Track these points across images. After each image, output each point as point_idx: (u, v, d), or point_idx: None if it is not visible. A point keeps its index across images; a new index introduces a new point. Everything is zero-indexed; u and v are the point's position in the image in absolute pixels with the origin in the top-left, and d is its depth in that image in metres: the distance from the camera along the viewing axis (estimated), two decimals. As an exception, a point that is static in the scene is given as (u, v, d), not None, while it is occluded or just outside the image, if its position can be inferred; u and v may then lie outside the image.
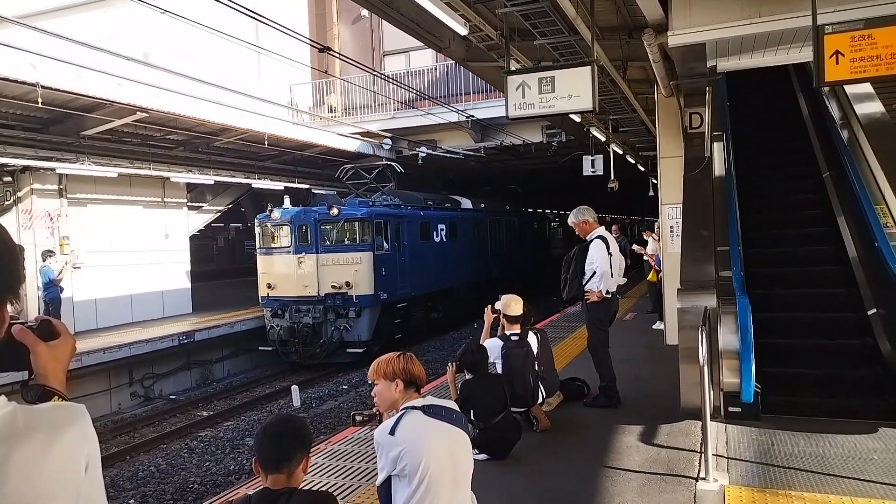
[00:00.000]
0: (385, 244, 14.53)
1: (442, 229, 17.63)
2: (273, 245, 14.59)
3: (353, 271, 13.68)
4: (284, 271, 14.20)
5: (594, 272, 5.91)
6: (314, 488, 4.03)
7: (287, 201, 15.01)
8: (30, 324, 1.20)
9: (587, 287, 5.95)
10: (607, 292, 5.94)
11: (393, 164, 16.88)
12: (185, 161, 15.76)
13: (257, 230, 14.93)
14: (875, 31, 4.60)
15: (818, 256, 7.36)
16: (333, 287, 13.69)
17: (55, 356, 1.19)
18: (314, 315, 13.80)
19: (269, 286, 14.25)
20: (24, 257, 1.35)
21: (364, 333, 13.79)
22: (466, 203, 20.40)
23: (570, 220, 6.30)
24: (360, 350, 13.60)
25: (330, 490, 4.34)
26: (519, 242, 23.53)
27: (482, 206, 21.24)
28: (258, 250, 14.86)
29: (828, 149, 8.27)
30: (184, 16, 7.84)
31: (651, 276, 11.31)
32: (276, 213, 14.23)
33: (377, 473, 2.68)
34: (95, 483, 1.08)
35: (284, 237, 14.39)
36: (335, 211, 13.63)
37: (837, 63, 4.70)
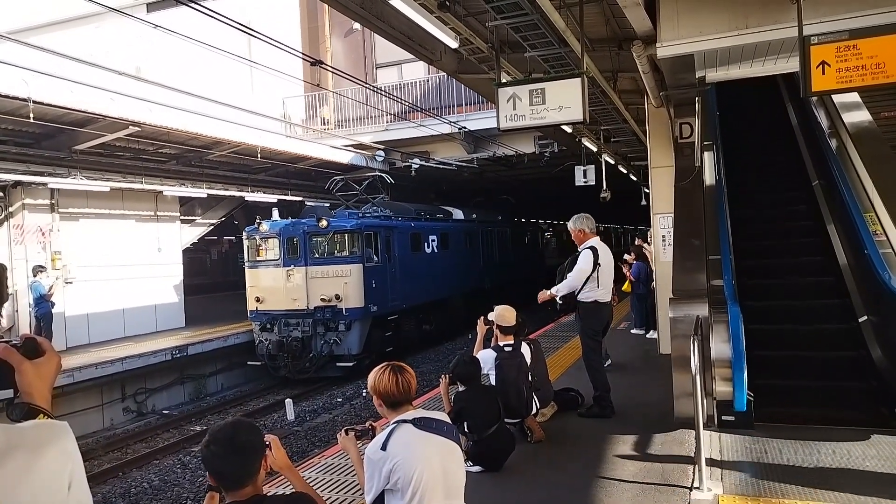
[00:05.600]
0: (375, 256, 14.39)
1: (433, 240, 17.50)
2: (262, 258, 14.43)
3: (342, 284, 13.54)
4: (273, 285, 14.03)
5: (587, 280, 5.94)
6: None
7: (276, 213, 14.88)
8: (14, 342, 1.20)
9: (554, 290, 6.08)
10: (594, 302, 5.96)
11: (383, 175, 16.77)
12: (178, 175, 15.74)
13: (246, 243, 14.76)
14: (860, 41, 4.67)
15: (808, 263, 7.40)
16: (323, 300, 13.54)
17: (40, 374, 1.19)
18: (303, 329, 13.64)
19: (258, 300, 14.08)
20: (7, 276, 1.34)
21: (354, 347, 13.64)
22: (458, 214, 20.29)
23: (569, 226, 6.34)
24: (351, 364, 13.48)
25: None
26: (512, 252, 23.46)
27: (474, 216, 21.15)
28: (246, 263, 14.70)
29: (817, 157, 8.34)
30: (176, 30, 7.86)
31: (625, 286, 11.13)
32: (265, 226, 14.11)
33: (365, 490, 2.67)
34: (81, 500, 1.08)
35: (273, 250, 14.24)
36: (324, 223, 13.51)
37: (824, 73, 4.77)
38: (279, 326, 13.84)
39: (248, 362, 14.38)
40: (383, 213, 15.77)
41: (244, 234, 14.91)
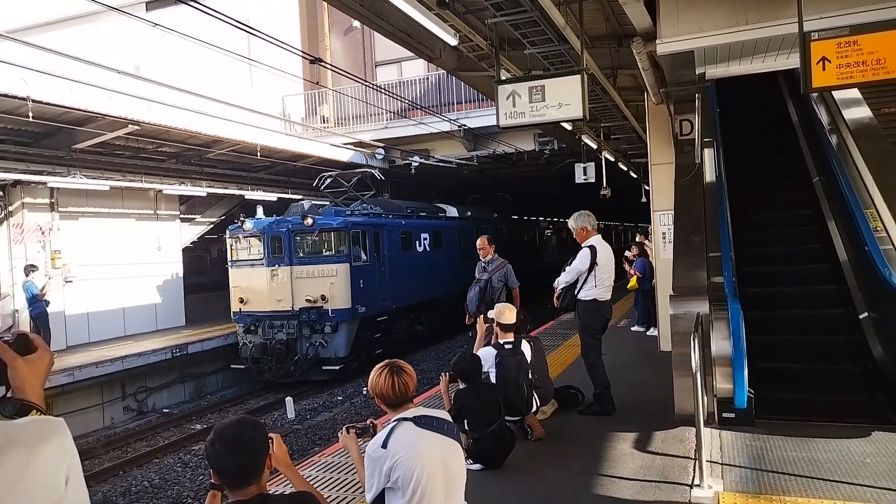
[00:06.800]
0: (363, 255, 13.94)
1: (425, 238, 17.01)
2: (245, 257, 13.92)
3: (328, 284, 13.06)
4: (257, 285, 13.53)
5: (585, 279, 5.94)
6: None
7: (260, 211, 14.55)
8: (6, 338, 1.21)
9: (555, 283, 6.14)
10: (594, 300, 5.96)
11: (373, 171, 16.32)
12: (178, 173, 15.74)
13: (229, 242, 14.21)
14: (860, 37, 4.65)
15: (809, 261, 7.39)
16: (308, 301, 13.07)
17: (33, 370, 1.20)
18: (288, 331, 13.19)
19: (242, 301, 13.57)
20: None
21: (341, 349, 13.20)
22: (452, 211, 19.82)
23: (570, 224, 6.33)
24: (337, 367, 13.07)
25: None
26: (509, 251, 22.90)
27: (468, 214, 20.68)
28: (230, 263, 14.16)
29: (817, 154, 8.33)
30: (175, 29, 7.85)
31: (632, 282, 11.08)
32: (249, 224, 13.66)
33: (366, 488, 2.67)
34: (79, 496, 1.08)
35: (257, 249, 13.76)
36: (309, 221, 13.03)
37: (824, 69, 4.75)
38: (263, 328, 13.36)
39: (232, 366, 13.95)
40: (373, 211, 15.35)
41: (227, 232, 14.40)
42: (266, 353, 13.22)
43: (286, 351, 13.15)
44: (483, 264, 7.63)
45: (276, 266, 13.37)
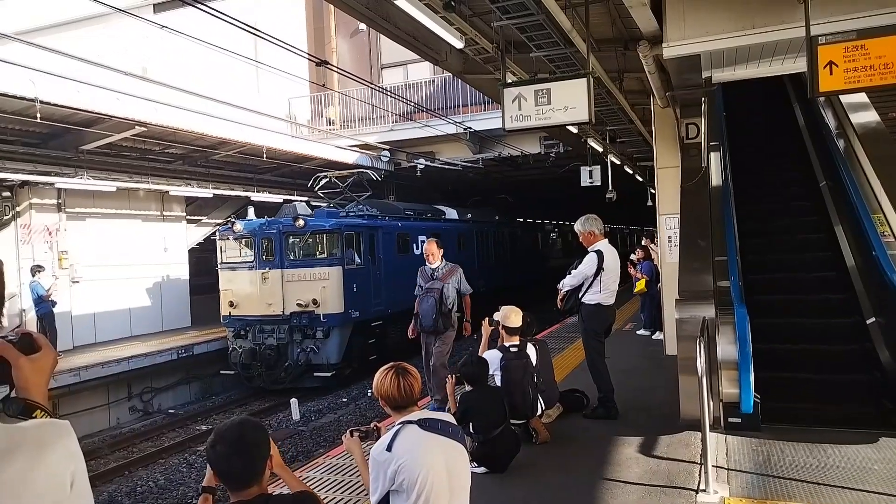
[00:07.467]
0: (357, 258, 13.57)
1: (423, 241, 16.54)
2: (235, 260, 13.64)
3: (320, 288, 12.68)
4: (247, 288, 13.23)
5: (590, 283, 5.93)
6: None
7: (251, 212, 14.36)
8: (10, 338, 1.21)
9: (559, 285, 6.16)
10: (597, 304, 5.95)
11: (369, 172, 15.95)
12: (184, 175, 15.80)
13: (219, 244, 13.92)
14: (868, 41, 4.63)
15: (816, 265, 7.37)
16: (299, 305, 12.74)
17: (37, 369, 1.20)
18: (279, 336, 12.85)
19: (232, 304, 13.28)
20: (3, 272, 1.34)
21: (333, 355, 12.81)
22: (452, 213, 19.43)
23: (577, 228, 6.31)
24: (329, 374, 12.70)
25: (328, 505, 4.31)
26: (511, 254, 22.60)
27: (469, 216, 20.26)
28: (220, 265, 13.86)
29: (824, 158, 8.30)
30: (182, 31, 7.89)
31: (640, 286, 10.98)
32: (239, 226, 13.42)
33: (371, 491, 2.66)
34: (83, 499, 1.08)
35: (247, 251, 13.51)
36: (301, 223, 12.69)
37: (831, 73, 4.73)
38: (253, 333, 13.02)
39: (221, 371, 13.72)
40: (368, 213, 14.96)
41: (217, 233, 14.17)
42: (256, 359, 12.87)
43: (276, 357, 12.80)
44: (430, 271, 6.99)
45: (267, 269, 13.05)
